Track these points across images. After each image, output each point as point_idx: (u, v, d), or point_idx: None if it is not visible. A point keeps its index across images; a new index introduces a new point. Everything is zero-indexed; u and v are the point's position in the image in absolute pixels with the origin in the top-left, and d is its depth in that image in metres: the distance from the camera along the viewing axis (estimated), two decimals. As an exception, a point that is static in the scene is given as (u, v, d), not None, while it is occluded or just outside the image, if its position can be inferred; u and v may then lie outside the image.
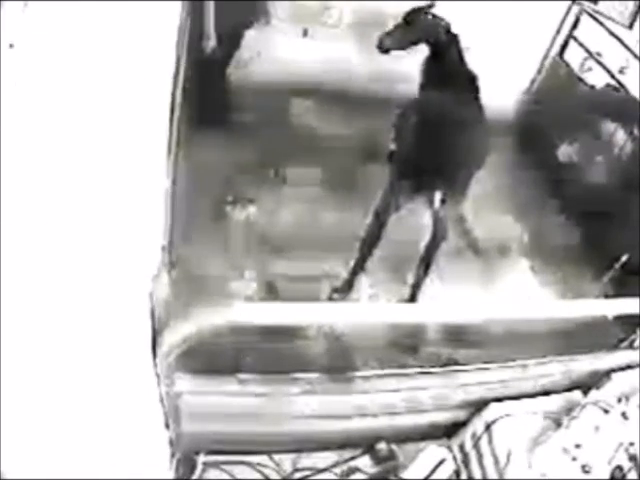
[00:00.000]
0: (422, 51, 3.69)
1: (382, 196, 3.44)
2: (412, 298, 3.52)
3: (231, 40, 4.18)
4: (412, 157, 3.34)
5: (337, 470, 2.51)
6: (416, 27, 3.66)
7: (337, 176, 4.16)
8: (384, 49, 3.68)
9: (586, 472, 2.31)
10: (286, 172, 4.21)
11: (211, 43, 3.85)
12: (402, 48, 3.70)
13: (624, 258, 3.80)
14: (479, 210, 4.17)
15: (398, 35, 3.70)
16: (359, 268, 3.54)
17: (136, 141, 1.61)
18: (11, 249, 1.16)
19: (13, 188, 1.18)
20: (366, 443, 2.59)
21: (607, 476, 2.33)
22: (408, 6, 3.88)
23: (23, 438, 1.26)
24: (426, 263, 3.49)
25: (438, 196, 3.31)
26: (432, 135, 3.16)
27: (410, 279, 3.55)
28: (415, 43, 3.67)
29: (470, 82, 3.52)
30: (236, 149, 4.10)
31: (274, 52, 4.62)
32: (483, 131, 3.45)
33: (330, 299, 3.47)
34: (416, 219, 3.55)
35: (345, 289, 3.54)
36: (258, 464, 2.45)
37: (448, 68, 3.54)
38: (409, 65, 3.76)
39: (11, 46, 1.27)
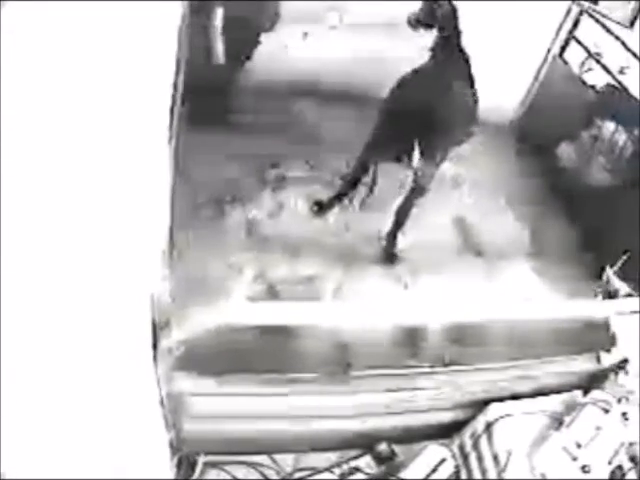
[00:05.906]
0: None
1: (366, 145, 3.75)
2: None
3: (245, 47, 4.17)
4: (397, 110, 3.57)
5: (337, 470, 2.51)
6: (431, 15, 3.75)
7: (337, 176, 4.16)
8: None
9: (586, 472, 2.31)
10: (286, 172, 4.22)
11: (219, 62, 3.82)
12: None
13: (624, 258, 3.80)
14: (479, 210, 4.17)
15: (415, 20, 3.79)
16: (337, 200, 3.94)
17: (136, 142, 1.62)
18: (11, 248, 1.16)
19: (13, 188, 1.18)
20: (366, 443, 2.59)
21: (607, 476, 2.33)
22: (408, 6, 3.87)
23: (23, 438, 1.26)
24: (401, 216, 3.76)
25: (417, 148, 3.51)
26: (417, 91, 3.47)
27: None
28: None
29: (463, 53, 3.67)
30: (236, 149, 4.10)
31: (274, 52, 4.62)
32: (469, 96, 3.64)
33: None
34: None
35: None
36: (258, 464, 2.45)
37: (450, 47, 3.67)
38: (409, 65, 3.75)
39: (12, 47, 1.27)
